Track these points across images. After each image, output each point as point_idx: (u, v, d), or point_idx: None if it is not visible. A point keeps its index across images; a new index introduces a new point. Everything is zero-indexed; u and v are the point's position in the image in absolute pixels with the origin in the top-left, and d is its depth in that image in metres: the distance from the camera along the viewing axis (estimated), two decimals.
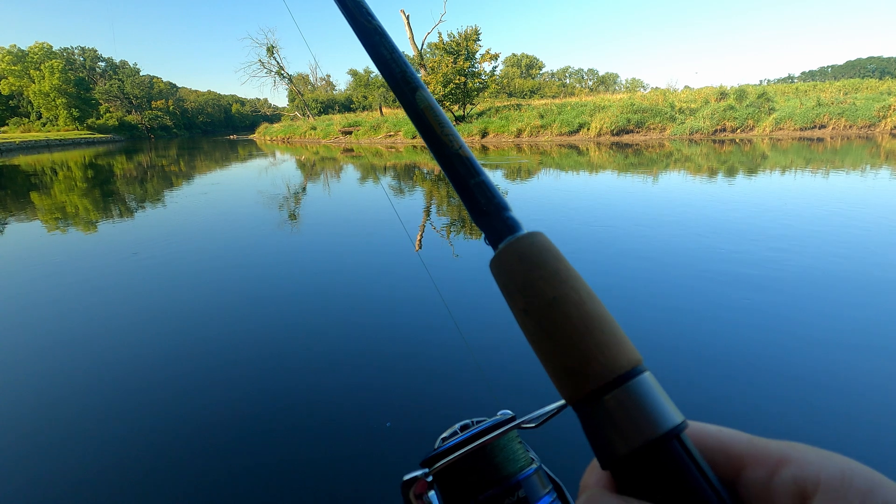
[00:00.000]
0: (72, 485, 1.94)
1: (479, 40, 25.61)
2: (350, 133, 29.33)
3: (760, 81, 49.85)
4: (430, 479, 0.32)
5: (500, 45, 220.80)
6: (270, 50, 40.58)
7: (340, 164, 17.16)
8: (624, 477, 0.19)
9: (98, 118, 54.65)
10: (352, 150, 23.19)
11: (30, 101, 53.02)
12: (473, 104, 27.78)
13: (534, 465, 0.34)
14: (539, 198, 8.46)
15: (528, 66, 75.09)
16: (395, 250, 5.39)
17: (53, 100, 50.79)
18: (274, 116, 58.75)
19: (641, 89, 55.95)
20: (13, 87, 53.23)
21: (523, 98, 42.86)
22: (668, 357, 2.76)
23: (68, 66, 55.08)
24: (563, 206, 7.47)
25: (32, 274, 4.93)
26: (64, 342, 3.29)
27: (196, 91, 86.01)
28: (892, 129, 19.12)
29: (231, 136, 53.17)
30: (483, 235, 0.24)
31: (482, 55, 25.81)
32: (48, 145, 37.60)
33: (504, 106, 28.11)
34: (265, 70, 42.00)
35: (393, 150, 21.85)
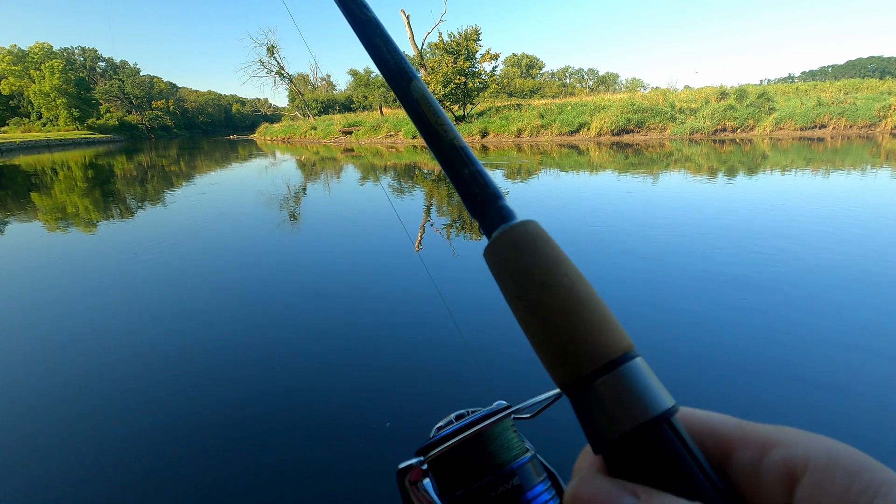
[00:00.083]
0: (72, 485, 1.94)
1: (479, 40, 25.61)
2: (350, 133, 29.33)
3: (761, 81, 49.87)
4: (424, 467, 0.33)
5: (500, 44, 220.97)
6: (271, 50, 40.61)
7: (340, 164, 17.17)
8: (616, 460, 0.19)
9: (98, 118, 54.67)
10: (352, 150, 23.20)
11: (30, 101, 53.04)
12: (473, 104, 27.79)
13: (528, 454, 0.34)
14: (539, 198, 8.46)
15: (528, 65, 75.08)
16: (394, 251, 5.39)
17: (54, 100, 50.82)
18: (274, 116, 58.76)
19: (642, 89, 55.98)
20: (13, 87, 53.26)
21: (523, 98, 42.88)
22: (667, 357, 2.75)
23: (69, 67, 55.07)
24: (563, 205, 7.46)
25: (32, 274, 4.93)
26: (64, 342, 3.30)
27: (196, 91, 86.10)
28: (892, 129, 19.11)
29: (231, 136, 53.16)
30: (479, 227, 0.24)
31: (482, 55, 25.81)
32: (48, 145, 37.62)
33: (504, 106, 28.11)
34: (265, 70, 42.06)
35: (393, 149, 21.85)
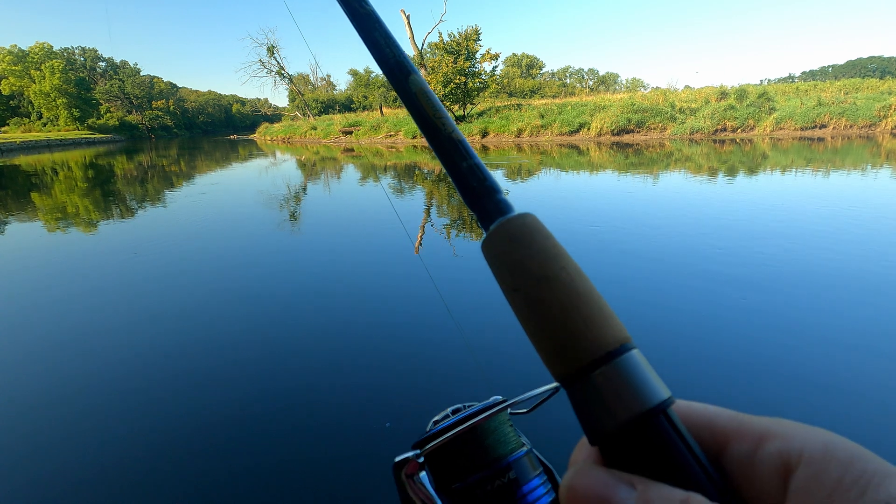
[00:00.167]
0: (72, 485, 1.94)
1: (479, 40, 25.62)
2: (350, 133, 29.34)
3: (761, 81, 49.85)
4: (421, 460, 0.33)
5: (500, 44, 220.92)
6: (271, 50, 40.63)
7: (341, 164, 17.17)
8: (612, 452, 0.19)
9: (98, 118, 54.70)
10: (352, 149, 23.20)
11: (30, 102, 53.07)
12: (474, 104, 27.80)
13: (524, 449, 0.34)
14: (539, 197, 8.45)
15: (528, 65, 75.07)
16: (394, 251, 5.39)
17: (54, 100, 50.85)
18: (274, 116, 58.75)
19: (642, 89, 55.98)
20: (14, 88, 53.28)
21: (524, 98, 42.89)
22: (667, 356, 2.75)
23: (69, 67, 55.10)
24: (563, 205, 7.46)
25: (32, 274, 4.93)
26: (64, 342, 3.30)
27: (196, 91, 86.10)
28: (892, 129, 19.10)
29: (231, 136, 53.18)
30: (476, 220, 0.24)
31: (482, 55, 25.82)
32: (49, 145, 37.63)
33: (504, 106, 28.11)
34: (265, 70, 42.09)
35: (393, 149, 21.85)
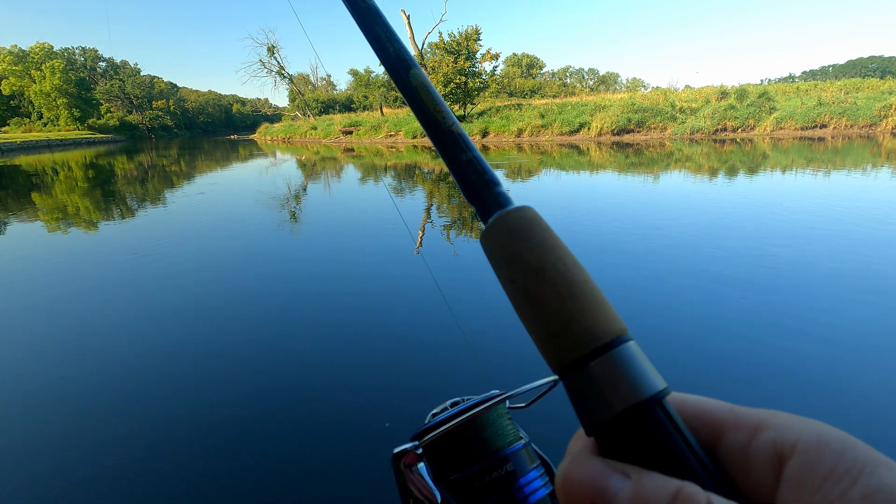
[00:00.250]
0: (72, 484, 1.94)
1: (479, 40, 25.63)
2: (351, 133, 29.34)
3: (761, 81, 49.81)
4: (419, 451, 0.33)
5: (500, 44, 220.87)
6: (271, 50, 40.64)
7: (341, 164, 17.17)
8: (607, 442, 0.20)
9: (99, 118, 54.72)
10: (352, 149, 23.20)
11: (31, 102, 53.08)
12: (474, 104, 27.80)
13: (522, 441, 0.34)
14: (540, 197, 8.45)
15: (528, 65, 75.06)
16: (394, 252, 5.39)
17: (54, 100, 50.87)
18: (274, 116, 58.71)
19: (642, 89, 55.94)
20: (14, 88, 53.30)
21: (524, 98, 42.88)
22: (667, 355, 2.75)
23: (69, 67, 55.09)
24: (564, 204, 7.45)
25: (32, 273, 4.93)
26: (64, 342, 3.30)
27: (197, 91, 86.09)
28: (893, 129, 19.09)
29: (232, 136, 53.19)
30: (475, 212, 0.24)
31: (483, 55, 25.82)
32: (49, 145, 37.66)
33: (505, 105, 28.11)
34: (266, 70, 42.10)
35: (393, 149, 21.85)
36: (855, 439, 0.16)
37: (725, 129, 21.15)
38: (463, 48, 25.19)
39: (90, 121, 53.12)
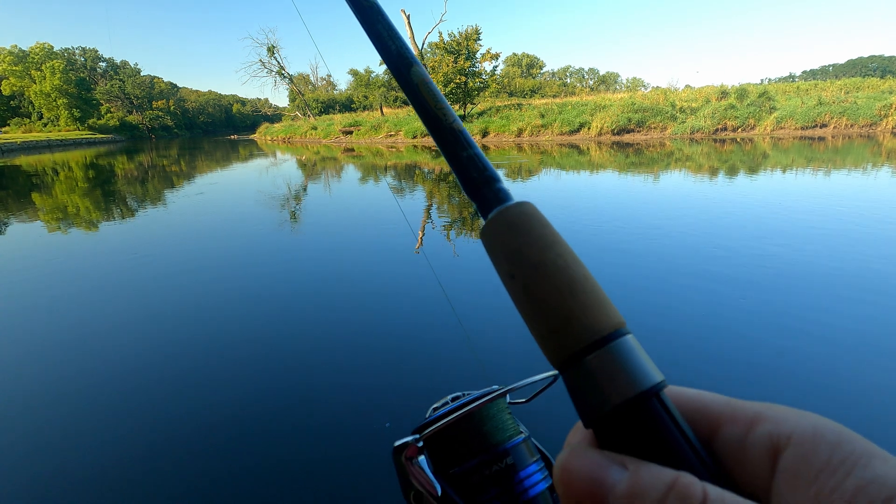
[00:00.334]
0: (72, 484, 1.94)
1: (479, 40, 25.62)
2: (351, 133, 29.35)
3: (761, 80, 49.80)
4: (420, 444, 0.33)
5: (500, 44, 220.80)
6: (271, 50, 40.64)
7: (341, 164, 17.17)
8: (605, 434, 0.20)
9: (99, 118, 54.69)
10: (352, 149, 23.20)
11: (31, 102, 53.06)
12: (474, 104, 27.79)
13: (522, 436, 0.35)
14: (540, 196, 8.45)
15: (528, 65, 75.05)
16: (394, 252, 5.39)
17: (54, 100, 50.86)
18: (275, 116, 58.72)
19: (642, 88, 55.91)
20: (14, 88, 53.28)
21: (524, 97, 42.84)
22: (667, 354, 2.75)
23: (69, 67, 55.08)
24: (565, 204, 7.45)
25: (32, 273, 4.93)
26: (64, 341, 3.30)
27: (197, 91, 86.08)
28: (893, 128, 19.08)
29: (232, 136, 53.18)
30: (476, 209, 0.25)
31: (483, 55, 25.82)
32: (49, 146, 37.66)
33: (505, 105, 28.11)
34: (266, 70, 42.10)
35: (393, 149, 21.85)
36: (850, 432, 0.17)
37: (726, 129, 21.14)
38: (463, 48, 25.19)
39: (90, 121, 53.09)
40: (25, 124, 53.10)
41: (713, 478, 0.18)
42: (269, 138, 38.17)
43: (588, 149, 17.86)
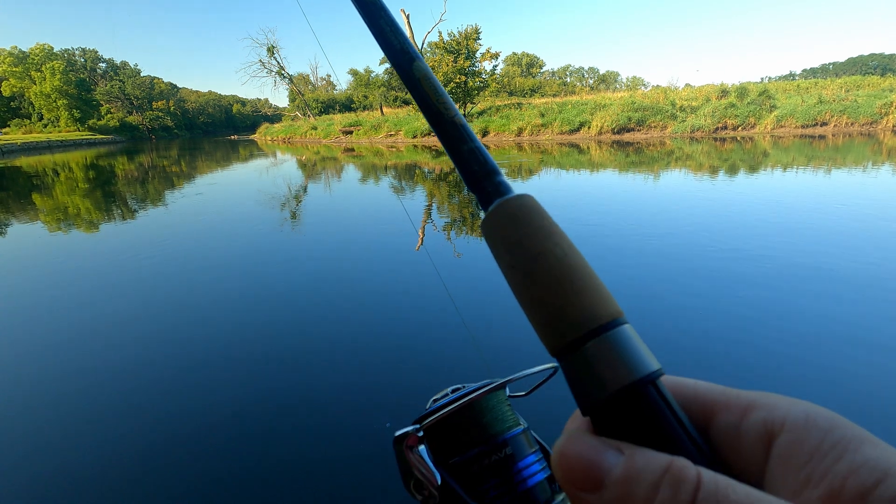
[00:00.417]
0: (72, 483, 1.94)
1: (479, 39, 25.62)
2: (351, 133, 29.35)
3: (762, 79, 49.73)
4: (420, 434, 0.34)
5: (500, 43, 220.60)
6: (271, 50, 40.66)
7: (341, 164, 17.17)
8: (602, 421, 0.20)
9: (99, 119, 54.72)
10: (353, 149, 23.20)
11: (31, 103, 53.09)
12: (474, 103, 27.78)
13: (521, 427, 0.35)
14: (541, 197, 8.42)
15: (528, 64, 75.01)
16: (395, 251, 5.39)
17: (55, 101, 50.88)
18: (275, 116, 58.73)
19: (642, 87, 55.83)
20: (14, 89, 53.30)
21: (524, 97, 42.77)
22: (667, 352, 2.75)
23: (69, 68, 55.10)
24: (566, 204, 7.45)
25: (33, 274, 4.94)
26: (64, 341, 3.30)
27: (197, 91, 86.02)
28: (893, 126, 19.04)
29: (232, 137, 53.20)
30: (476, 201, 0.25)
31: (482, 54, 25.82)
32: (49, 146, 37.68)
33: (505, 105, 28.09)
34: (266, 70, 42.12)
35: (394, 149, 21.85)
36: (842, 418, 0.17)
37: (726, 128, 21.13)
38: (463, 47, 25.19)
39: (90, 122, 53.12)
40: (26, 125, 53.13)
41: (709, 463, 0.18)
42: (269, 138, 38.17)
43: (588, 148, 17.85)
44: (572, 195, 8.36)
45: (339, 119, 34.55)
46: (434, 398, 0.38)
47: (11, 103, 55.38)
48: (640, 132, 21.92)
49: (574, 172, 11.69)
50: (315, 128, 33.34)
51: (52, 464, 2.06)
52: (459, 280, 4.19)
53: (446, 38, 25.72)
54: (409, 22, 28.42)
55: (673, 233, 5.43)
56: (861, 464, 0.15)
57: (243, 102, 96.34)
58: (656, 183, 9.42)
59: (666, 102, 23.33)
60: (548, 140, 22.12)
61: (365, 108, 46.01)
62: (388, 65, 41.49)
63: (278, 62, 41.53)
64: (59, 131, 49.78)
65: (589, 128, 22.41)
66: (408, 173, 13.26)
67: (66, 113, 51.64)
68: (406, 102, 38.74)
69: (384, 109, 34.12)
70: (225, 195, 10.79)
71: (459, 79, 24.97)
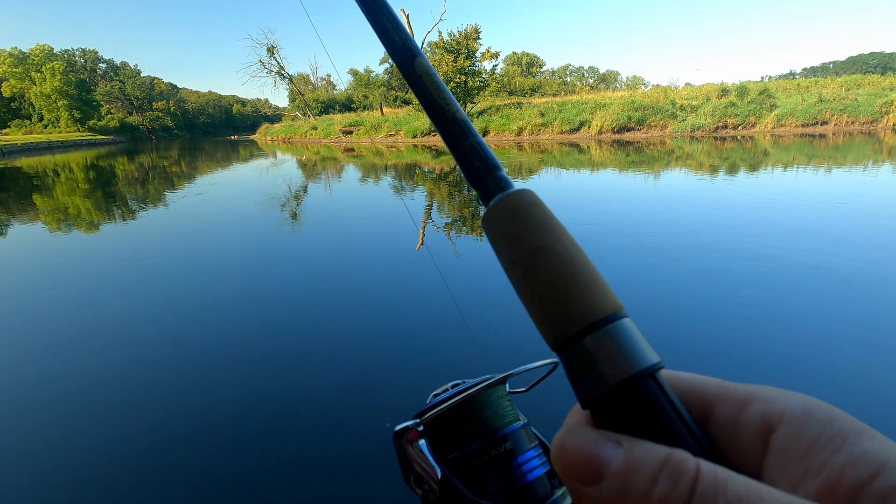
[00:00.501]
0: (72, 484, 1.94)
1: (479, 39, 25.61)
2: (351, 133, 29.35)
3: (762, 78, 49.73)
4: (420, 428, 0.34)
5: (500, 43, 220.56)
6: (271, 50, 40.66)
7: (341, 164, 17.17)
8: (602, 414, 0.20)
9: (99, 120, 54.74)
10: (353, 149, 23.20)
11: (31, 103, 53.12)
12: (474, 103, 27.77)
13: (521, 422, 0.35)
14: (544, 196, 8.42)
15: (528, 64, 74.97)
16: (396, 251, 5.39)
17: (55, 101, 50.91)
18: (275, 116, 58.75)
19: (642, 86, 55.81)
20: (15, 90, 53.33)
21: (524, 96, 42.73)
22: (667, 352, 2.74)
23: (69, 68, 55.13)
24: (567, 203, 7.44)
25: (33, 274, 4.94)
26: (64, 341, 3.29)
27: (197, 92, 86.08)
28: (894, 125, 19.03)
29: (232, 137, 53.19)
30: (477, 196, 0.25)
31: (482, 54, 25.81)
32: (50, 147, 37.69)
33: (505, 104, 28.08)
34: (266, 70, 42.12)
35: (394, 149, 21.84)
36: (840, 411, 0.17)
37: (726, 127, 21.12)
38: (462, 47, 25.18)
39: (90, 122, 53.14)
40: (26, 126, 53.17)
41: (707, 456, 0.18)
42: (269, 139, 38.18)
43: (588, 147, 17.85)
44: (572, 194, 8.35)
45: (339, 119, 34.54)
46: (434, 393, 0.39)
47: (12, 104, 55.42)
48: (641, 131, 21.91)
49: (574, 172, 11.69)
50: (315, 128, 33.34)
51: (52, 464, 2.06)
52: (459, 279, 4.19)
53: (446, 37, 25.71)
54: (409, 21, 28.40)
55: (673, 232, 5.42)
56: (858, 456, 0.15)
57: (243, 103, 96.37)
58: (656, 182, 9.42)
59: (666, 102, 23.33)
60: (548, 139, 22.11)
61: (365, 107, 46.01)
62: (387, 65, 41.51)
63: (278, 62, 41.56)
64: (60, 132, 49.81)
65: (589, 127, 22.41)
66: (408, 173, 13.26)
67: (67, 113, 51.67)
68: (406, 102, 38.74)
69: (384, 109, 34.13)
70: (225, 195, 10.79)
71: (459, 78, 24.97)
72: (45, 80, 50.24)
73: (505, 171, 0.25)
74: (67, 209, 9.35)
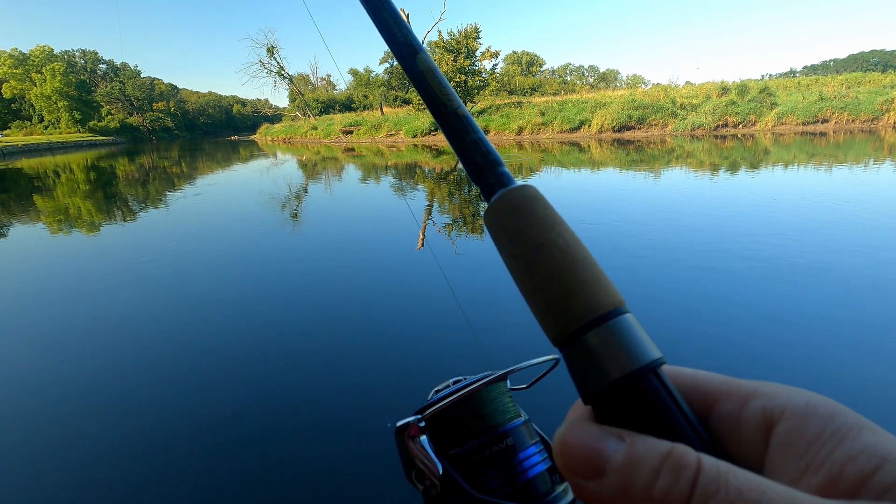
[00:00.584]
0: (72, 483, 1.94)
1: (479, 38, 25.61)
2: (351, 132, 29.35)
3: (762, 76, 49.66)
4: (422, 424, 0.34)
5: (500, 42, 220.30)
6: (271, 50, 40.68)
7: (342, 164, 17.17)
8: (604, 409, 0.20)
9: (100, 120, 54.78)
10: (353, 149, 23.20)
11: (32, 105, 53.16)
12: (474, 102, 27.77)
13: (522, 418, 0.35)
14: (544, 195, 8.41)
15: (528, 63, 74.93)
16: (396, 251, 5.39)
17: (55, 102, 50.94)
18: (275, 117, 58.77)
19: (643, 85, 55.72)
20: (15, 91, 53.36)
21: (524, 96, 42.70)
22: (670, 353, 2.74)
23: (69, 69, 55.18)
24: (567, 203, 7.44)
25: (34, 275, 4.94)
26: (64, 342, 3.30)
27: (197, 92, 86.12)
28: (895, 123, 19.00)
29: (232, 137, 53.25)
30: (479, 192, 0.25)
31: (482, 53, 25.83)
32: (50, 148, 37.73)
33: (505, 104, 28.06)
34: (266, 70, 42.14)
35: (394, 149, 21.84)
36: (842, 406, 0.17)
37: (727, 125, 21.09)
38: (462, 46, 25.19)
39: (91, 123, 53.17)
40: (26, 127, 53.20)
41: (709, 451, 0.18)
42: (269, 139, 38.20)
43: (589, 146, 17.83)
44: (573, 193, 8.34)
45: (339, 119, 34.55)
46: (436, 389, 0.39)
47: (12, 105, 55.46)
48: (641, 130, 21.89)
49: (574, 171, 11.68)
50: (315, 128, 33.34)
51: (52, 463, 2.06)
52: (460, 279, 4.18)
53: (446, 37, 25.71)
54: (408, 21, 28.28)
55: (673, 231, 5.42)
56: (860, 451, 0.15)
57: (243, 103, 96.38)
58: (657, 181, 9.40)
59: (666, 100, 23.31)
60: (548, 139, 22.10)
61: (365, 107, 45.99)
62: (387, 64, 41.45)
63: (278, 62, 41.58)
64: (60, 133, 49.84)
65: (589, 126, 22.39)
66: (408, 173, 13.25)
67: (67, 114, 51.70)
68: (406, 102, 38.72)
69: (384, 109, 34.13)
70: (225, 196, 10.79)
71: (459, 78, 24.97)
72: (45, 82, 50.27)
73: (506, 167, 0.25)
74: (68, 210, 9.35)
